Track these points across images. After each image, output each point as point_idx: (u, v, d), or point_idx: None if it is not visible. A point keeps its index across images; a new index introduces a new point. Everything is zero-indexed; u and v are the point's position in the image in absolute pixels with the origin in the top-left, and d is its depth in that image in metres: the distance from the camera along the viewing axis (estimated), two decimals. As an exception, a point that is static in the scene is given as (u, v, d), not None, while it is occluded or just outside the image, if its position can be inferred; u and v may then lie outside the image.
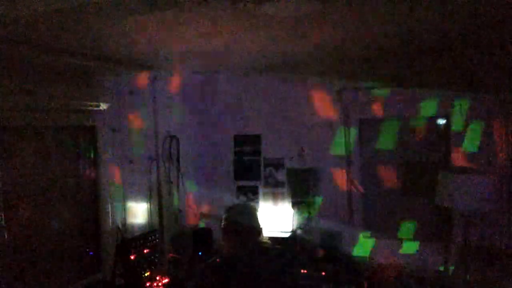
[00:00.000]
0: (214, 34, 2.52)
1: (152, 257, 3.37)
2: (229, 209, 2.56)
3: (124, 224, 3.50)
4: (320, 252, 3.71)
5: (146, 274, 3.25)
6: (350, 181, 3.90)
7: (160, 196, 3.80)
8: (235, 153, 4.32)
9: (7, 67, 2.66)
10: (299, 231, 3.92)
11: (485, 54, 3.30)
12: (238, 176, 4.32)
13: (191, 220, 4.20)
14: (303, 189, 3.97)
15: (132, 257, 3.18)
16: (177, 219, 3.98)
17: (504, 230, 3.31)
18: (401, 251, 3.68)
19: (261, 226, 2.51)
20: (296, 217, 4.00)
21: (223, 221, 2.49)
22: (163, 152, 3.84)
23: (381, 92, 3.70)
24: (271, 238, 3.73)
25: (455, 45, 3.24)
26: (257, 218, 2.49)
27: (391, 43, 3.08)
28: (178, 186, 3.95)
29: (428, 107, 3.61)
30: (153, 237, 3.45)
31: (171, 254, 3.70)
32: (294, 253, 3.57)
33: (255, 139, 4.23)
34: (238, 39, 2.71)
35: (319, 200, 3.96)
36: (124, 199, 3.53)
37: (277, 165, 4.14)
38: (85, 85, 3.25)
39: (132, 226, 3.57)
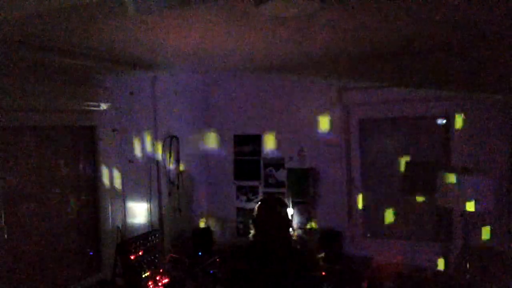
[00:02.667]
0: (213, 34, 2.52)
1: (152, 257, 3.37)
2: (262, 201, 2.67)
3: (124, 224, 3.49)
4: (320, 252, 3.71)
5: (146, 274, 3.25)
6: (350, 180, 3.90)
7: (160, 196, 3.80)
8: (235, 153, 4.32)
9: (7, 67, 2.66)
10: (299, 231, 3.92)
11: (485, 54, 3.30)
12: (238, 176, 4.32)
13: (191, 220, 4.20)
14: (303, 189, 3.97)
15: (132, 257, 3.17)
16: (177, 219, 3.98)
17: (504, 230, 3.31)
18: (401, 251, 3.68)
19: (290, 220, 2.56)
20: (296, 217, 4.00)
21: (255, 211, 2.57)
22: (163, 152, 3.84)
23: (381, 92, 3.70)
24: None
25: (455, 44, 3.24)
26: (287, 212, 2.54)
27: (391, 43, 3.08)
28: (178, 186, 3.95)
29: (428, 107, 3.61)
30: (153, 237, 3.45)
31: (171, 254, 3.70)
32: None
33: (255, 139, 4.23)
34: (237, 39, 2.71)
35: (319, 200, 3.96)
36: (124, 199, 3.53)
37: (277, 165, 4.14)
38: (85, 85, 3.25)
39: (132, 226, 3.57)
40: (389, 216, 3.84)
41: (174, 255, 3.67)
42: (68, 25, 2.14)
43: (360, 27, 2.52)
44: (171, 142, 3.89)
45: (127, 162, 3.56)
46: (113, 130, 3.47)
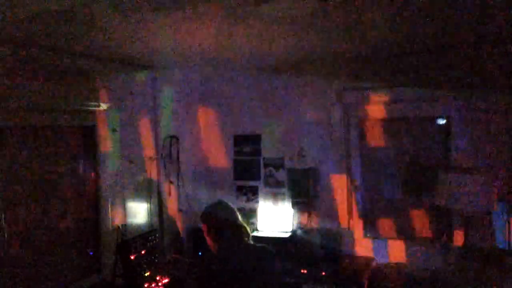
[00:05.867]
0: (214, 34, 2.52)
1: (152, 257, 3.37)
2: (210, 207, 2.46)
3: (124, 224, 3.50)
4: (320, 252, 3.71)
5: (146, 274, 3.25)
6: (350, 181, 3.90)
7: (160, 196, 3.80)
8: (235, 153, 4.32)
9: (7, 67, 2.67)
10: (299, 231, 3.92)
11: (485, 53, 3.30)
12: (238, 176, 4.32)
13: (191, 220, 4.20)
14: (303, 189, 3.97)
15: (132, 257, 3.17)
16: (177, 219, 3.98)
17: (504, 230, 3.31)
18: (401, 251, 3.68)
19: (243, 222, 2.42)
20: (296, 217, 4.00)
21: (207, 220, 2.39)
22: (163, 152, 3.84)
23: (381, 92, 3.70)
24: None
25: (454, 44, 3.24)
26: (237, 214, 2.44)
27: (390, 43, 3.09)
28: (178, 186, 3.95)
29: (428, 107, 3.61)
30: (153, 237, 3.45)
31: (171, 254, 3.70)
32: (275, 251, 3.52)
33: (255, 139, 4.23)
34: (238, 39, 2.71)
35: (319, 200, 3.96)
36: (124, 199, 3.53)
37: (277, 165, 4.14)
38: (85, 85, 3.25)
39: (132, 226, 3.57)
40: (389, 216, 3.83)
41: (174, 255, 3.67)
42: (68, 25, 2.15)
43: (360, 27, 2.52)
44: (171, 142, 3.90)
45: (127, 162, 3.57)
46: (113, 130, 3.47)
